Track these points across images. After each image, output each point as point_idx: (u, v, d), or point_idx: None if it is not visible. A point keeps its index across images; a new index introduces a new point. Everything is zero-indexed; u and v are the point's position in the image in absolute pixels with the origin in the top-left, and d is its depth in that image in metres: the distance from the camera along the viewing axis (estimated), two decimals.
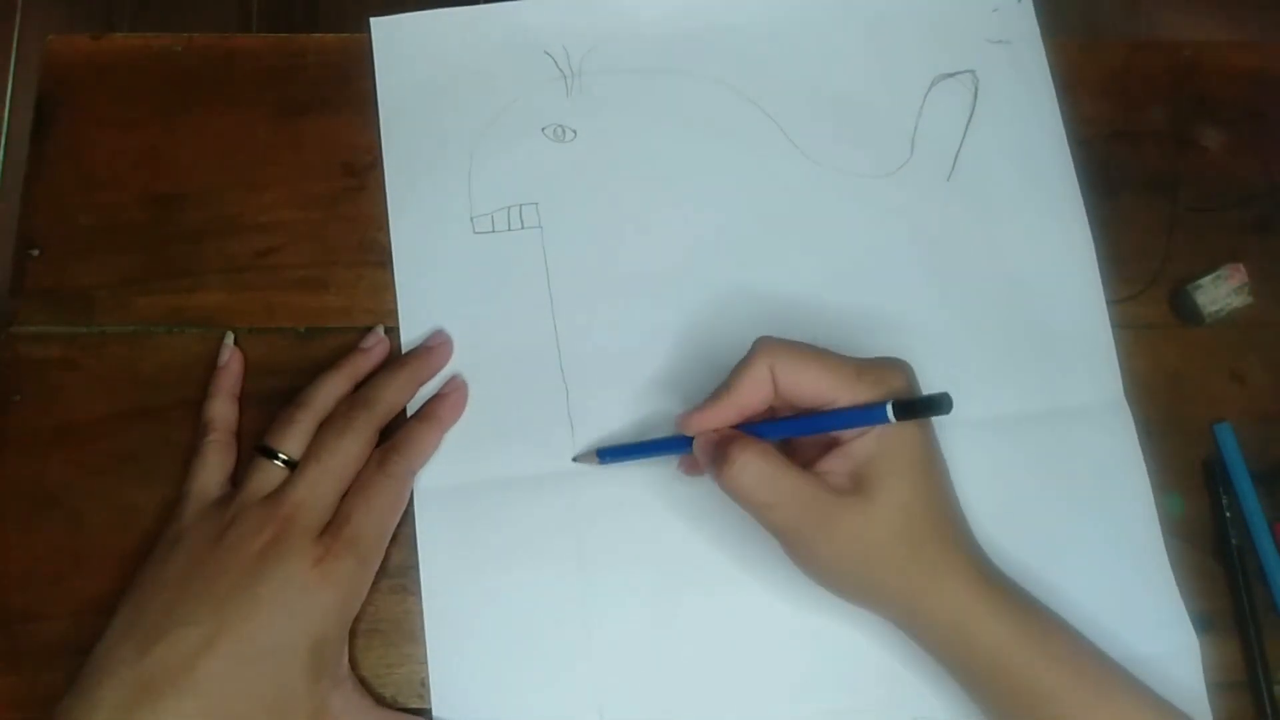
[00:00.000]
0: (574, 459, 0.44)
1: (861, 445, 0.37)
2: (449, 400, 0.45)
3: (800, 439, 0.40)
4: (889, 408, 0.35)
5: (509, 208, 0.48)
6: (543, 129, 0.49)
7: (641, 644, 0.43)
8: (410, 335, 0.46)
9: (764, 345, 0.38)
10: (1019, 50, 0.52)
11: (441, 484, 0.44)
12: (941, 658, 0.39)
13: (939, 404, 0.35)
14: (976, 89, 0.51)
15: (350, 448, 0.41)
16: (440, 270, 0.47)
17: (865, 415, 0.37)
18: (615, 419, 0.45)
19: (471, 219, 0.48)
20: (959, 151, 0.50)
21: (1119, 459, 0.46)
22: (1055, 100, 0.51)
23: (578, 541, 0.44)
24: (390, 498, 0.41)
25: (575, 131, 0.49)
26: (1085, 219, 0.49)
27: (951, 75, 0.51)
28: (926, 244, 0.48)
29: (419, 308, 0.46)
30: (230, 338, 0.45)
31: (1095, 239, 0.49)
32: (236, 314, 0.46)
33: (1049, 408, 0.46)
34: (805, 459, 0.38)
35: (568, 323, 0.46)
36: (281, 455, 0.41)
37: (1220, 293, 0.49)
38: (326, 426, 0.42)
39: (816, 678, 0.43)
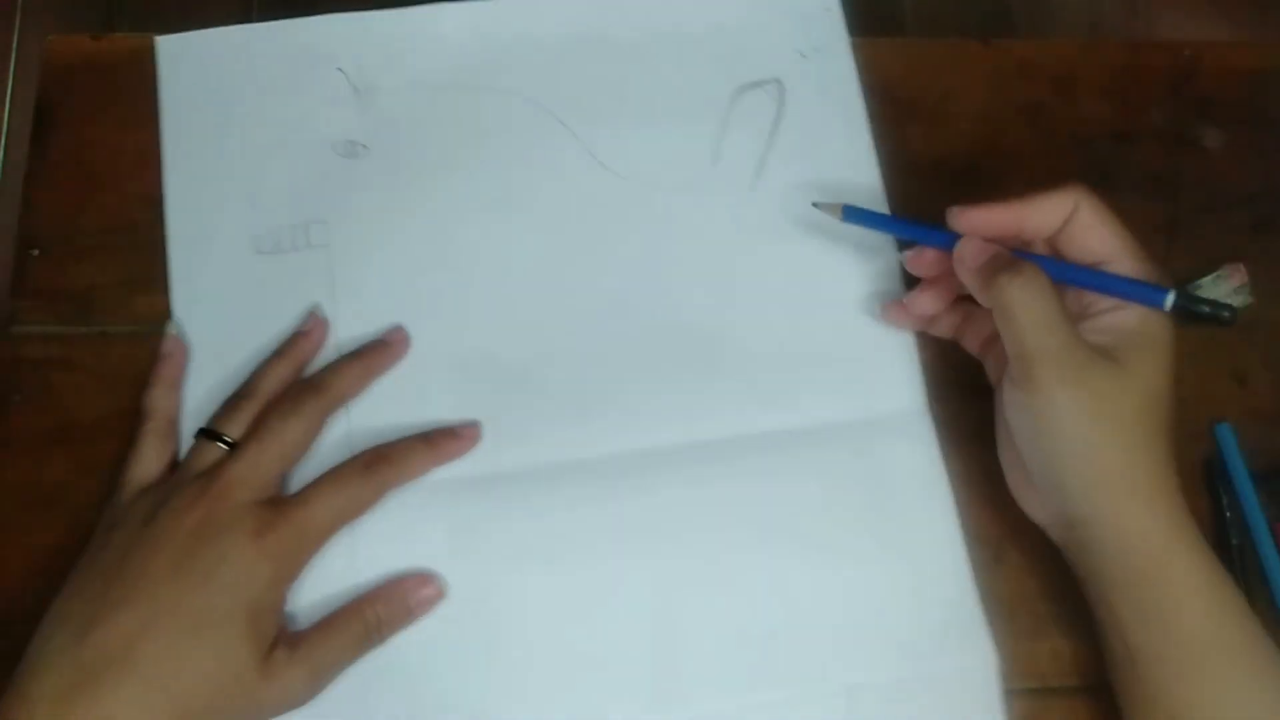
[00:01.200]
0: (815, 204, 0.45)
1: (1119, 318, 0.38)
2: (458, 439, 0.44)
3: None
4: (1171, 294, 0.37)
5: (294, 226, 0.47)
6: (332, 145, 0.48)
7: (560, 639, 0.42)
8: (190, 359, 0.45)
9: (1077, 185, 0.39)
10: (827, 58, 0.51)
11: None
12: (1114, 576, 0.38)
13: (1221, 311, 0.37)
14: (782, 98, 0.50)
15: (293, 430, 0.41)
16: (220, 291, 0.46)
17: (1147, 293, 0.38)
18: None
19: (254, 238, 0.46)
20: (763, 161, 0.49)
21: (921, 468, 0.45)
22: (862, 107, 0.50)
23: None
24: (358, 499, 0.41)
25: (366, 147, 0.48)
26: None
27: (757, 85, 0.50)
28: (730, 254, 0.48)
29: (195, 330, 0.45)
30: (173, 328, 0.45)
31: None
32: None
33: (852, 418, 0.46)
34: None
35: (353, 345, 0.45)
36: (224, 437, 0.41)
37: (1221, 293, 0.49)
38: (271, 408, 0.42)
39: (743, 669, 0.42)
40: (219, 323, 0.45)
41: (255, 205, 0.47)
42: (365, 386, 0.44)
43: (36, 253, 0.46)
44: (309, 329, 0.45)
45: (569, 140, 0.49)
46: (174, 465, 0.43)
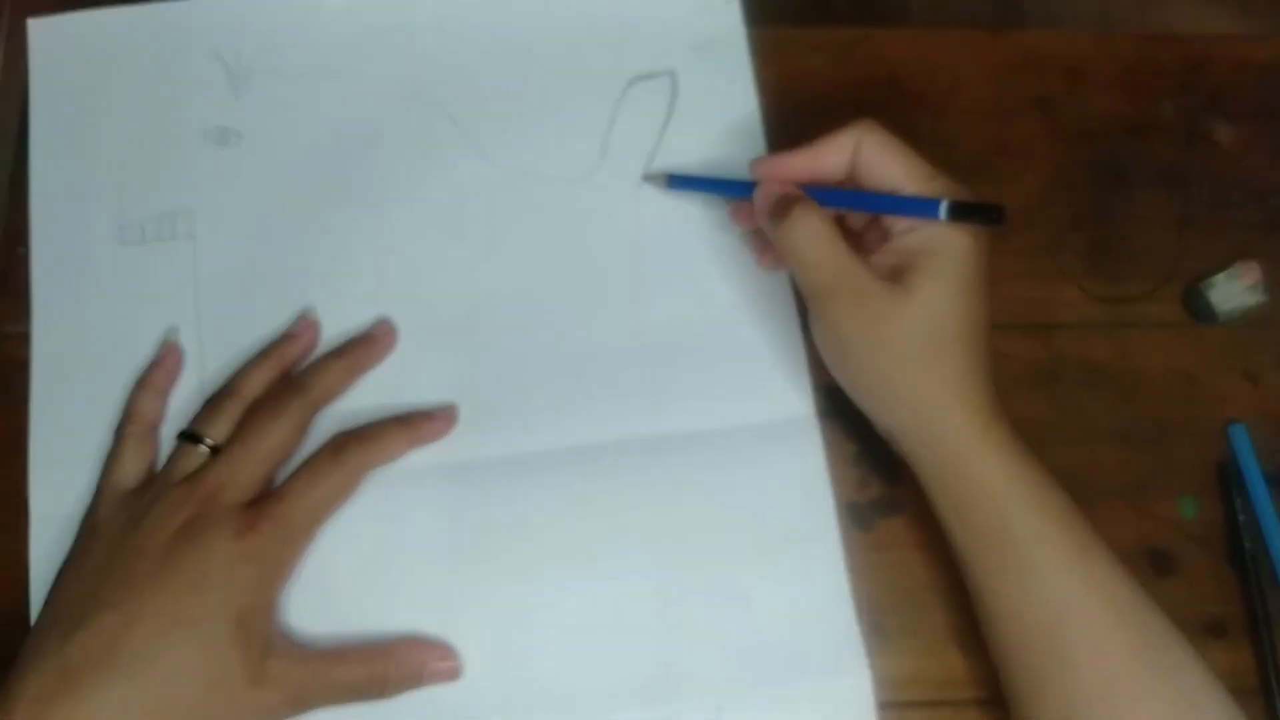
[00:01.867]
0: (644, 177, 0.45)
1: (908, 240, 0.39)
2: (434, 421, 0.43)
3: (861, 232, 0.42)
4: (943, 204, 0.37)
5: (161, 215, 0.45)
6: (205, 131, 0.46)
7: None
8: (45, 349, 0.44)
9: (862, 120, 0.40)
10: (722, 50, 0.50)
11: (62, 512, 0.42)
12: (931, 481, 0.40)
13: (990, 212, 0.37)
14: (675, 90, 0.49)
15: (278, 431, 0.40)
16: (81, 283, 0.44)
17: (919, 205, 0.38)
18: None
19: (120, 228, 0.45)
20: (653, 156, 0.48)
21: (804, 475, 0.44)
22: (756, 101, 0.49)
23: None
24: (334, 485, 0.41)
25: (240, 134, 0.47)
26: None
27: (649, 76, 0.49)
28: (618, 250, 0.47)
29: (55, 321, 0.44)
30: (171, 336, 0.44)
31: (1106, 237, 0.49)
32: None
33: (738, 423, 0.44)
34: (859, 251, 0.40)
35: (215, 340, 0.44)
36: (206, 440, 0.40)
37: (1234, 290, 0.48)
38: (255, 409, 0.41)
39: (613, 686, 0.41)
40: (78, 313, 0.44)
41: (122, 194, 0.45)
42: (350, 384, 0.43)
43: (24, 251, 0.46)
44: (298, 332, 0.44)
45: (450, 131, 0.48)
46: (153, 469, 0.42)
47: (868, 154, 0.39)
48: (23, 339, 0.44)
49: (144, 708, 0.36)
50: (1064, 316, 0.48)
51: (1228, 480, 0.46)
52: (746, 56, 0.50)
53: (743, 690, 0.41)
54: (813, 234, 0.39)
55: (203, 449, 0.40)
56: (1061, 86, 0.52)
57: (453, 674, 0.41)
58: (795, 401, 0.45)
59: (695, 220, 0.47)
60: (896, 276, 0.39)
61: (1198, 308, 0.49)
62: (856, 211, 0.42)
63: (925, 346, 0.38)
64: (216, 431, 0.41)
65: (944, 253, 0.38)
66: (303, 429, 0.42)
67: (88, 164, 0.46)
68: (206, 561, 0.37)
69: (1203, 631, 0.44)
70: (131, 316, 0.44)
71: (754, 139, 0.49)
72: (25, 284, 0.45)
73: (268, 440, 0.40)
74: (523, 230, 0.47)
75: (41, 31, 0.48)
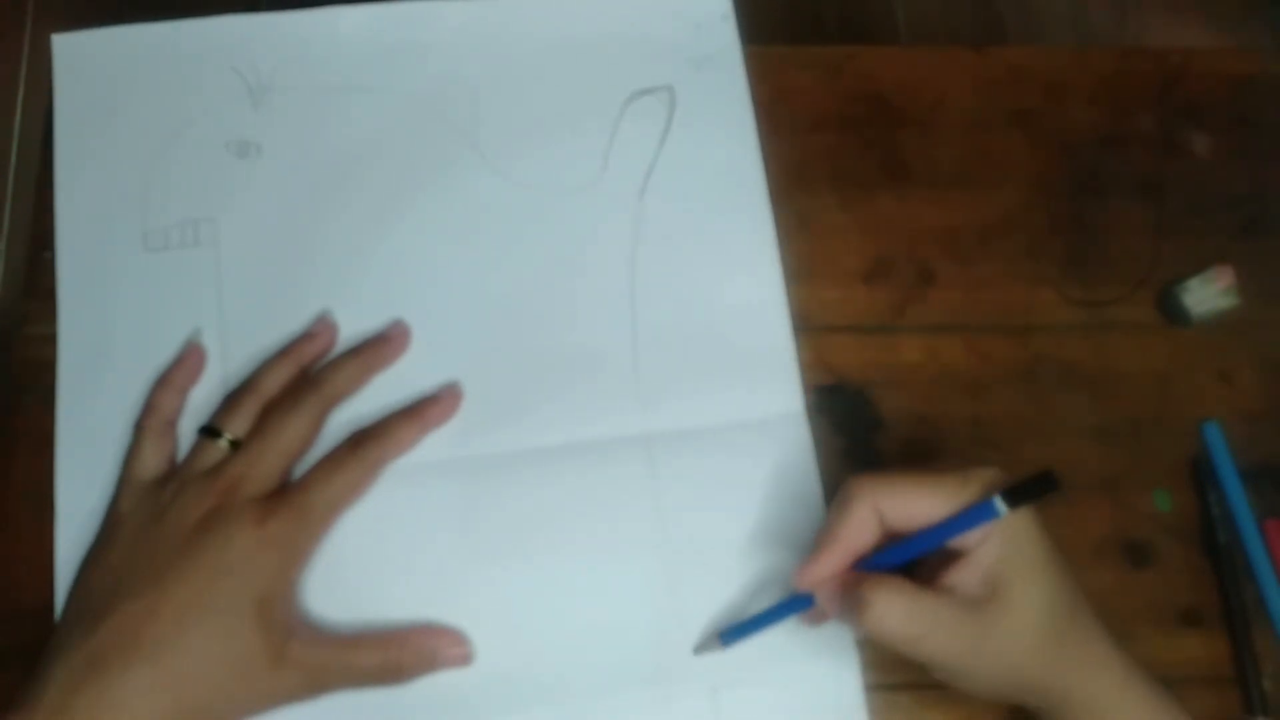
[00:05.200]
0: (695, 652, 0.43)
1: (986, 551, 0.37)
2: (440, 404, 0.45)
3: (919, 559, 0.39)
4: (997, 501, 0.35)
5: (184, 223, 0.47)
6: (225, 144, 0.48)
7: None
8: (71, 350, 0.45)
9: (859, 486, 0.38)
10: (719, 66, 0.51)
11: (88, 507, 0.43)
12: None
13: (1046, 483, 0.35)
14: (673, 104, 0.51)
15: (295, 426, 0.42)
16: (107, 286, 0.46)
17: (978, 514, 0.36)
18: None
19: (144, 235, 0.47)
20: (652, 168, 0.50)
21: (794, 473, 0.46)
22: (752, 115, 0.51)
23: None
24: (353, 478, 0.42)
25: (260, 147, 0.48)
26: (773, 235, 0.49)
27: (648, 91, 0.51)
28: (618, 261, 0.48)
29: (82, 323, 0.46)
30: (198, 337, 0.45)
31: (1084, 243, 0.50)
32: None
33: (731, 420, 0.46)
34: (928, 578, 0.38)
35: (237, 341, 0.45)
36: (226, 435, 0.42)
37: (1207, 293, 0.49)
38: (273, 406, 0.42)
39: (610, 668, 0.43)
40: (104, 315, 0.46)
41: (146, 202, 0.47)
42: (365, 382, 0.45)
43: (49, 254, 0.47)
44: (316, 332, 0.45)
45: (463, 145, 0.49)
46: (173, 463, 0.43)
47: (892, 511, 0.38)
48: (49, 340, 0.45)
49: (169, 691, 0.37)
50: (1043, 319, 0.50)
51: (1201, 475, 0.48)
52: (742, 71, 0.51)
53: (737, 672, 0.43)
54: (901, 611, 0.36)
55: (222, 444, 0.42)
56: (1042, 100, 0.53)
57: (464, 659, 0.42)
58: (786, 399, 0.47)
59: (691, 230, 0.49)
60: (991, 589, 0.37)
61: (1172, 310, 0.50)
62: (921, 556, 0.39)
63: (1049, 640, 0.37)
64: (236, 426, 0.42)
65: (1021, 546, 0.37)
66: (319, 424, 0.43)
67: (112, 173, 0.47)
68: (227, 550, 0.39)
69: (1178, 621, 0.46)
70: (156, 319, 0.46)
71: (750, 154, 0.50)
72: (52, 287, 0.46)
73: (286, 435, 0.41)
74: (528, 238, 0.48)
75: (66, 46, 0.49)
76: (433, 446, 0.45)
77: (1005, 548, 0.37)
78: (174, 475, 0.42)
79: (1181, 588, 0.46)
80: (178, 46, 0.50)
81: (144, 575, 0.39)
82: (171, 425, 0.44)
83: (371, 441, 0.43)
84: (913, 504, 0.37)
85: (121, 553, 0.40)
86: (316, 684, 0.40)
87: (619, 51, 0.51)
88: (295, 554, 0.41)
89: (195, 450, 0.42)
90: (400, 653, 0.41)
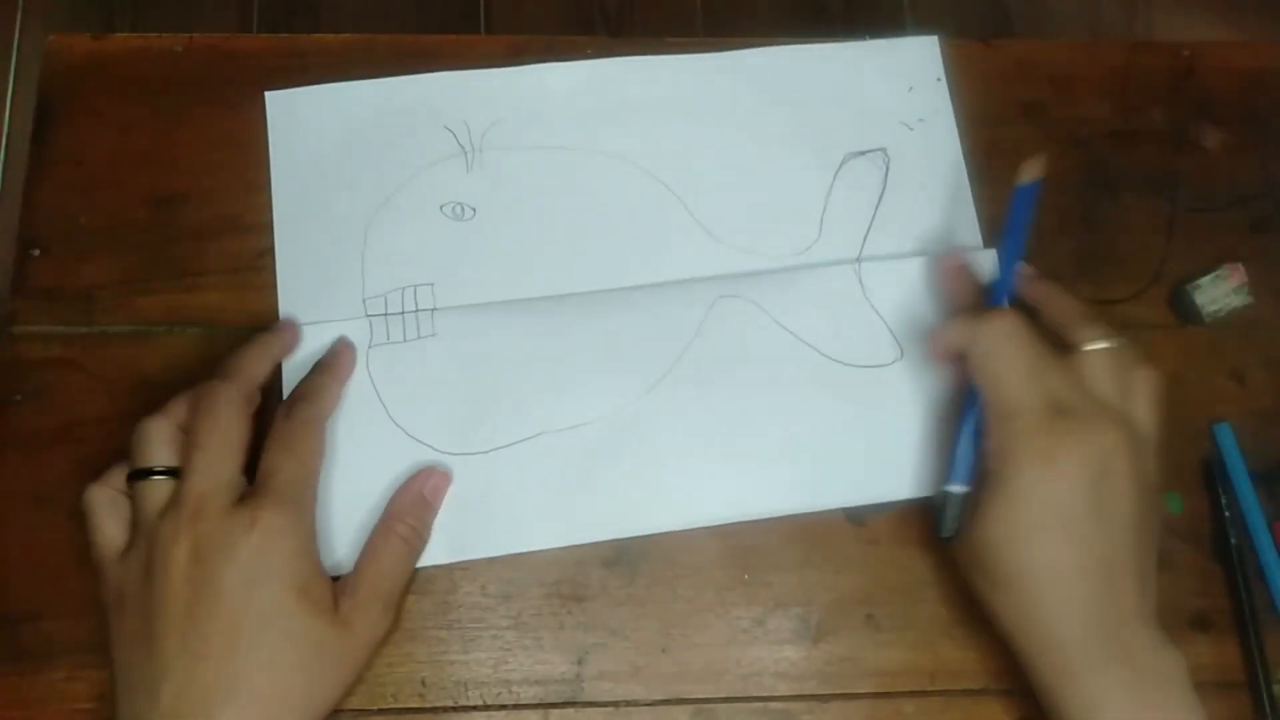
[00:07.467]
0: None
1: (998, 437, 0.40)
2: (342, 355, 0.45)
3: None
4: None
5: (403, 289, 0.47)
6: (441, 206, 0.48)
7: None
8: None
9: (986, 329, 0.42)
10: (931, 127, 0.51)
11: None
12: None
13: None
14: (887, 167, 0.50)
15: (225, 423, 0.40)
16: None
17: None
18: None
19: (364, 300, 0.46)
20: (869, 231, 0.49)
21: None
22: (966, 176, 0.50)
23: None
24: (308, 442, 0.41)
25: (474, 210, 0.48)
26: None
27: (862, 154, 0.50)
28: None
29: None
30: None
31: (1094, 240, 0.50)
32: (236, 314, 0.47)
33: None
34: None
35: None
36: (156, 468, 0.39)
37: (1219, 292, 0.49)
38: (193, 416, 0.40)
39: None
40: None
41: (366, 267, 0.47)
42: (270, 366, 0.44)
43: (37, 252, 0.47)
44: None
45: (676, 206, 0.49)
46: (130, 523, 0.40)
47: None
48: (36, 339, 0.45)
49: (268, 715, 0.37)
50: None
51: (1213, 477, 0.47)
52: (954, 131, 0.51)
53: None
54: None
55: (158, 478, 0.39)
56: (1051, 93, 0.53)
57: (445, 481, 0.44)
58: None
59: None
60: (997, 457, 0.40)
61: (1184, 309, 0.49)
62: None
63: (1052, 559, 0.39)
64: (160, 456, 0.40)
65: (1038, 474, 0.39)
66: (246, 413, 0.41)
67: (330, 235, 0.47)
68: (236, 564, 0.37)
69: (1188, 625, 0.45)
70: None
71: (965, 212, 0.50)
72: (40, 285, 0.46)
73: (221, 433, 0.39)
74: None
75: (279, 104, 0.49)
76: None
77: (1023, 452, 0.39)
78: (137, 533, 0.39)
79: (1191, 592, 0.46)
80: (388, 105, 0.49)
81: (174, 630, 0.37)
82: (117, 495, 0.41)
83: (303, 403, 0.42)
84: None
85: (139, 622, 0.38)
86: (386, 612, 0.41)
87: (833, 114, 0.51)
88: (297, 535, 0.39)
89: (138, 497, 0.40)
90: (401, 524, 0.42)
